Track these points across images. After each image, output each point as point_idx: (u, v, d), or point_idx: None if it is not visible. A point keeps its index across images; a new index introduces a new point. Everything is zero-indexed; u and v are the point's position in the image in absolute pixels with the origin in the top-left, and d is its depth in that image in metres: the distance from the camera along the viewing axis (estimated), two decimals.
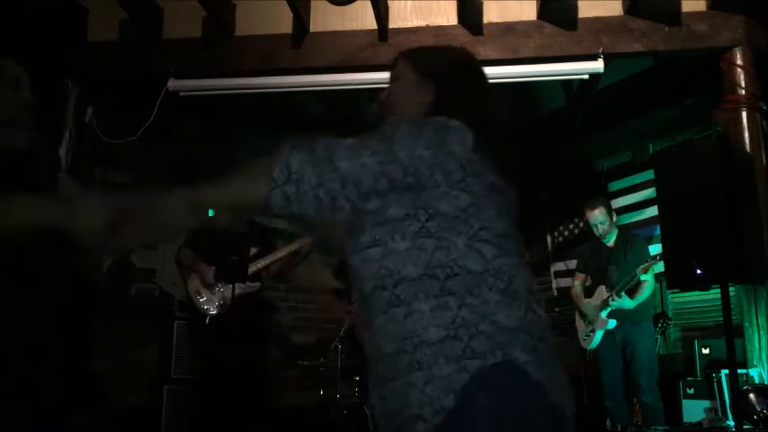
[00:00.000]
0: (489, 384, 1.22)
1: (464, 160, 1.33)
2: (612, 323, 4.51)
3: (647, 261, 4.43)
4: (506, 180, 1.43)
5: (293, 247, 4.59)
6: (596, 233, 4.74)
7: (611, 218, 4.70)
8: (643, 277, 4.36)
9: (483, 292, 1.30)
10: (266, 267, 4.59)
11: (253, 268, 4.50)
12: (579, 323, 4.86)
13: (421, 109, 1.48)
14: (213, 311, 4.40)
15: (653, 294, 4.81)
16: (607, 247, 4.73)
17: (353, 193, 1.30)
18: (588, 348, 4.71)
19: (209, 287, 4.45)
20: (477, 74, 1.62)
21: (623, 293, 4.37)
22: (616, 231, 4.77)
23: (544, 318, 1.39)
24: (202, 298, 4.44)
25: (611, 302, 4.39)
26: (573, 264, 5.24)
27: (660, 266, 4.16)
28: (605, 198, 4.92)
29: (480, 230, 1.34)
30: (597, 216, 4.67)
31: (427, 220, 1.31)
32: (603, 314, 4.55)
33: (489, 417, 1.21)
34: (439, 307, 1.27)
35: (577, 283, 4.96)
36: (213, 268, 4.43)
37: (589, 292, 4.83)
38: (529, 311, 1.35)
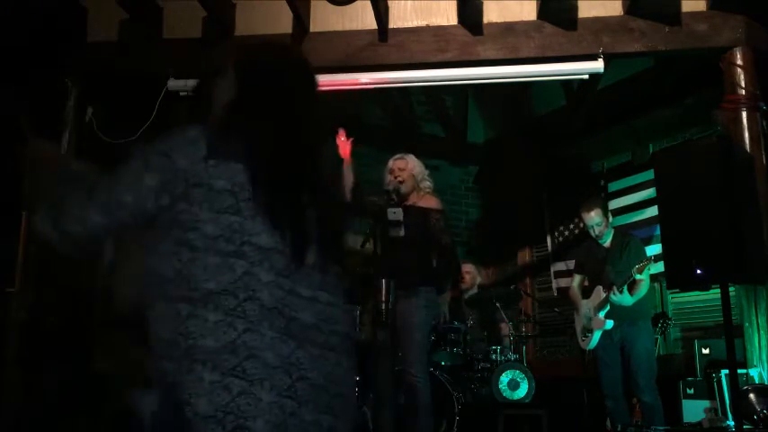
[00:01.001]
0: None
1: (190, 173, 1.34)
2: (610, 323, 4.51)
3: (642, 261, 4.43)
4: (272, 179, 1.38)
5: None
6: (592, 234, 4.74)
7: (607, 219, 4.70)
8: (638, 276, 4.36)
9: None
10: None
11: None
12: (577, 324, 4.86)
13: (222, 110, 1.48)
14: None
15: (650, 294, 4.81)
16: (603, 247, 4.73)
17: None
18: (587, 349, 4.71)
19: None
20: (287, 75, 1.54)
21: (624, 288, 4.37)
22: (612, 232, 4.78)
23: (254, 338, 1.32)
24: None
25: (612, 297, 4.39)
26: (573, 264, 5.24)
27: (660, 266, 4.16)
28: (601, 199, 4.92)
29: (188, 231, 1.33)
30: (593, 218, 4.67)
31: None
32: (601, 314, 4.55)
33: None
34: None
35: (575, 284, 4.96)
36: None
37: (586, 293, 4.83)
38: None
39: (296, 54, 1.63)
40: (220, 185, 1.34)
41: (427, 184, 4.12)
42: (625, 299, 4.38)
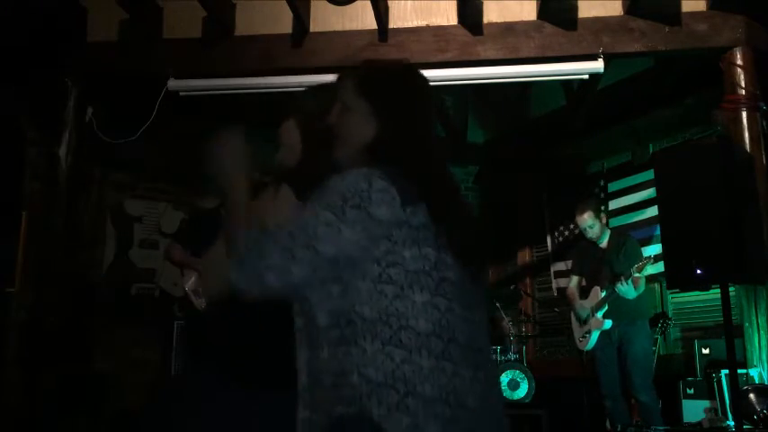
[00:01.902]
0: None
1: (393, 227, 1.31)
2: (608, 323, 4.52)
3: (640, 261, 4.44)
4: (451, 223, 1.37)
5: None
6: (588, 236, 4.74)
7: (601, 221, 4.70)
8: (636, 275, 4.37)
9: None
10: None
11: None
12: (575, 324, 4.86)
13: (359, 148, 1.45)
14: None
15: (650, 294, 4.81)
16: (600, 248, 4.73)
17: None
18: (585, 349, 4.71)
19: None
20: (426, 107, 1.53)
21: (630, 281, 4.37)
22: (608, 232, 4.78)
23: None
24: (200, 297, 4.43)
25: (618, 287, 4.38)
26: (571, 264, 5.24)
27: (660, 266, 4.16)
28: (594, 202, 4.90)
29: (388, 267, 1.31)
30: (586, 220, 4.68)
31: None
32: (599, 315, 4.55)
33: None
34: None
35: (572, 285, 4.96)
36: None
37: (584, 294, 4.83)
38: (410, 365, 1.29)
39: (423, 84, 1.57)
40: (417, 222, 1.32)
41: None
42: (630, 291, 4.39)
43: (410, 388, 1.26)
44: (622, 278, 4.36)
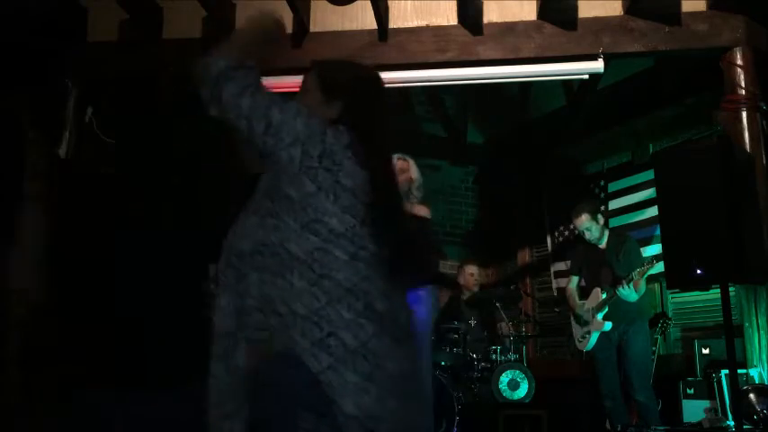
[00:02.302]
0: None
1: (327, 150, 1.48)
2: (608, 325, 4.51)
3: (643, 263, 4.43)
4: (378, 198, 1.52)
5: None
6: (587, 239, 4.74)
7: (598, 222, 4.69)
8: (636, 277, 4.36)
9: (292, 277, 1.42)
10: None
11: None
12: (574, 325, 4.86)
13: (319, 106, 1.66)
14: None
15: (650, 294, 4.81)
16: (600, 249, 4.72)
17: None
18: (584, 350, 4.71)
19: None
20: (381, 96, 1.72)
21: (631, 284, 4.37)
22: (608, 233, 4.77)
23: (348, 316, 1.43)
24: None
25: (620, 290, 4.38)
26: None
27: (660, 266, 4.16)
28: (591, 204, 4.87)
29: (313, 222, 1.45)
30: (583, 223, 4.67)
31: (273, 201, 1.48)
32: (599, 316, 4.55)
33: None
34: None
35: (572, 286, 4.96)
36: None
37: (584, 294, 4.83)
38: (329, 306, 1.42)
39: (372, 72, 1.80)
40: (348, 184, 1.47)
41: (419, 192, 4.09)
42: (631, 294, 4.39)
43: (332, 329, 1.36)
44: (624, 282, 4.36)
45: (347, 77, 1.71)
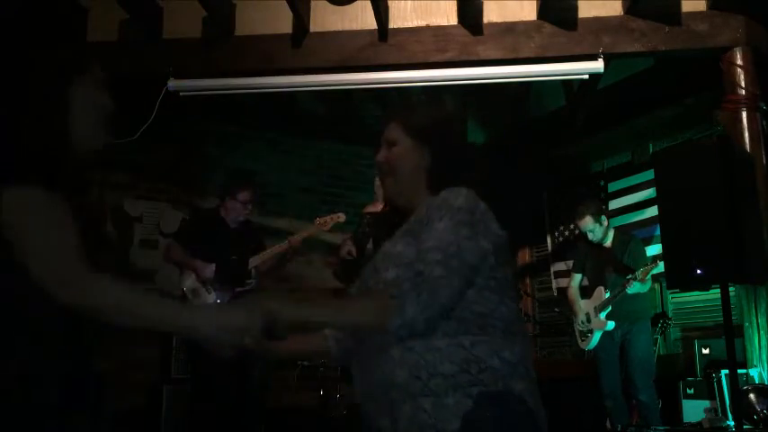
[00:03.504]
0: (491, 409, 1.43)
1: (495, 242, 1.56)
2: (611, 325, 4.51)
3: (644, 261, 4.43)
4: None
5: (283, 245, 4.60)
6: (590, 239, 4.73)
7: (601, 222, 4.68)
8: (640, 276, 4.36)
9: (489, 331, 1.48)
10: (257, 265, 4.59)
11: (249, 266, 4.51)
12: (576, 324, 4.85)
13: (421, 173, 1.65)
14: None
15: (650, 294, 4.81)
16: (604, 247, 4.72)
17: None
18: (586, 349, 4.70)
19: (206, 285, 4.43)
20: (461, 131, 1.83)
21: (637, 283, 4.36)
22: (612, 232, 4.77)
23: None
24: (198, 297, 4.43)
25: (627, 289, 4.37)
26: (572, 263, 5.23)
27: (660, 266, 4.16)
28: (594, 204, 4.87)
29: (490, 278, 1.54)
30: (587, 224, 4.67)
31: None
32: (602, 315, 4.54)
33: None
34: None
35: (574, 284, 4.95)
36: (211, 266, 4.41)
37: (587, 293, 4.82)
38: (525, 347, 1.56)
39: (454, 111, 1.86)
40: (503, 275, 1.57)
41: None
42: (644, 287, 4.39)
43: (528, 364, 1.50)
44: (630, 281, 4.35)
45: (429, 122, 1.71)
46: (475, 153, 1.80)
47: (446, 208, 1.52)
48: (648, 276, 4.37)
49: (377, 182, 4.14)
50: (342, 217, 4.70)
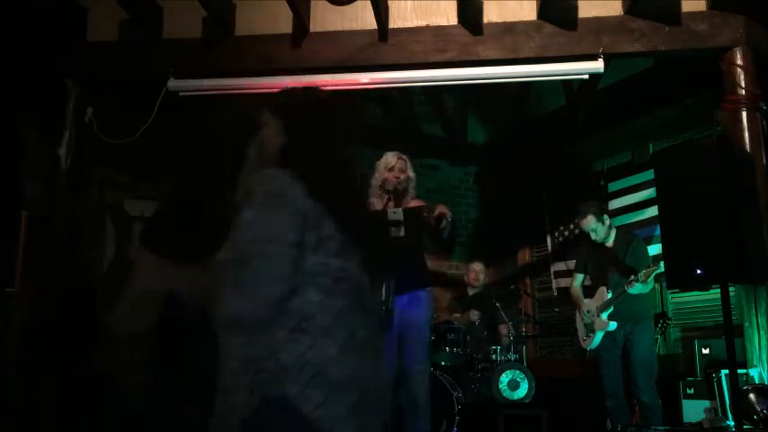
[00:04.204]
0: None
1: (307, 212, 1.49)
2: (613, 325, 4.50)
3: (649, 264, 4.42)
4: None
5: None
6: (593, 239, 4.73)
7: (604, 222, 4.68)
8: (643, 278, 4.36)
9: None
10: None
11: None
12: (579, 323, 4.84)
13: (276, 155, 1.65)
14: None
15: (651, 294, 4.81)
16: (606, 247, 4.71)
17: None
18: (588, 348, 4.70)
19: None
20: (324, 119, 1.75)
21: (639, 284, 4.36)
22: (614, 231, 4.76)
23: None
24: None
25: (629, 290, 4.37)
26: (573, 264, 5.23)
27: (660, 266, 4.16)
28: (595, 204, 4.86)
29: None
30: (589, 224, 4.66)
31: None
32: (604, 316, 4.54)
33: None
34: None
35: (576, 284, 4.95)
36: None
37: (589, 293, 4.82)
38: None
39: (327, 106, 1.81)
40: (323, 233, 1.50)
41: (414, 190, 4.14)
42: (646, 287, 4.39)
43: (317, 370, 1.43)
44: (633, 281, 4.35)
45: (288, 107, 1.76)
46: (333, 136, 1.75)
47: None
48: (651, 277, 4.37)
49: (375, 181, 4.14)
50: None
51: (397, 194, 3.95)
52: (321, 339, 1.44)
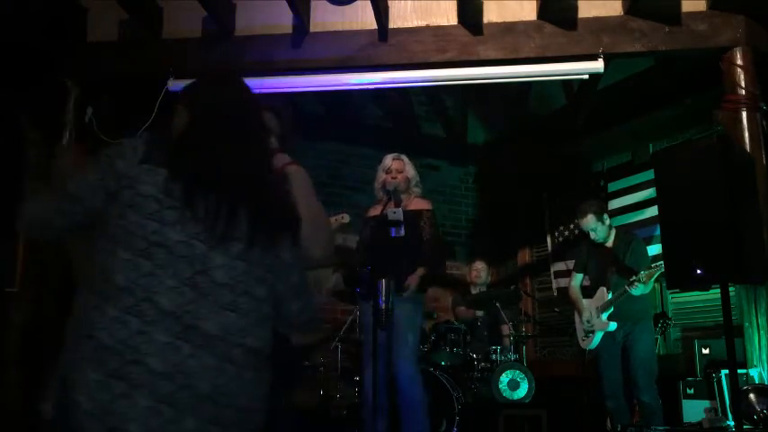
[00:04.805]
0: None
1: (124, 174, 1.47)
2: (613, 325, 4.50)
3: (647, 261, 4.42)
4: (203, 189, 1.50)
5: None
6: (593, 239, 4.72)
7: (604, 222, 4.68)
8: (644, 279, 4.35)
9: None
10: None
11: None
12: (578, 323, 4.84)
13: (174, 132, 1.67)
14: None
15: (651, 294, 4.81)
16: (606, 247, 4.71)
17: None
18: (587, 348, 4.70)
19: None
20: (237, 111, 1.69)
21: (640, 285, 4.35)
22: (614, 231, 4.76)
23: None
24: None
25: (631, 290, 4.37)
26: (573, 264, 5.23)
27: (662, 267, 4.16)
28: (595, 203, 4.85)
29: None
30: (589, 223, 4.65)
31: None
32: (604, 316, 4.53)
33: None
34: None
35: (575, 284, 4.94)
36: None
37: (588, 293, 4.81)
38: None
39: (233, 86, 1.76)
40: (146, 191, 1.45)
41: (418, 188, 4.15)
42: (646, 289, 4.39)
43: (137, 357, 1.34)
44: (635, 282, 4.34)
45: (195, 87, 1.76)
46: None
47: None
48: (651, 280, 4.37)
49: (377, 184, 4.15)
50: (346, 218, 4.68)
51: (399, 194, 3.97)
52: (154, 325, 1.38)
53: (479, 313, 5.61)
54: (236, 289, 1.47)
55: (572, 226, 6.50)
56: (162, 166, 1.47)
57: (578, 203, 4.81)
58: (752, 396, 3.47)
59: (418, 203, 4.10)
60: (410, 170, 4.14)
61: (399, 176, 4.06)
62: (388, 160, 4.14)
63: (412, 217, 3.92)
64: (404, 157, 4.17)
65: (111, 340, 1.35)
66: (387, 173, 4.09)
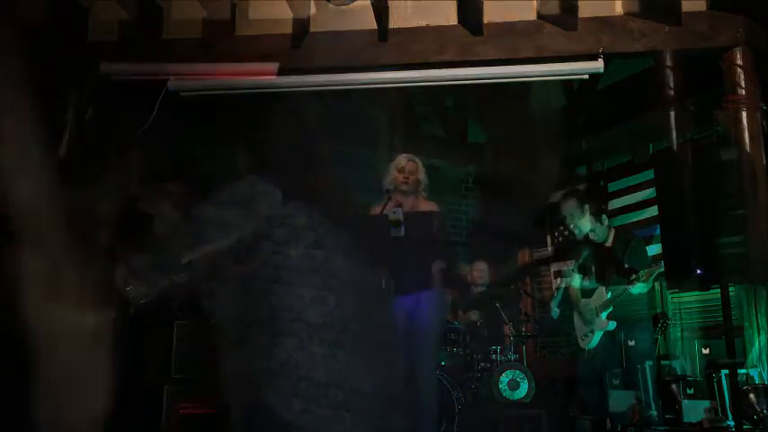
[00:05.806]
0: None
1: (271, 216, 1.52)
2: (612, 325, 4.51)
3: (649, 264, 4.42)
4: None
5: None
6: (592, 239, 4.72)
7: (602, 222, 4.68)
8: (643, 278, 4.36)
9: None
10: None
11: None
12: (578, 323, 4.85)
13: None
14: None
15: (652, 293, 4.81)
16: (605, 247, 4.71)
17: None
18: (587, 348, 4.70)
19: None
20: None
21: (640, 284, 4.36)
22: (613, 231, 4.76)
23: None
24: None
25: (630, 289, 4.37)
26: (573, 263, 5.23)
27: (661, 266, 4.16)
28: (595, 203, 4.85)
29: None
30: (587, 224, 4.66)
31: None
32: (603, 315, 4.54)
33: None
34: None
35: (575, 284, 4.94)
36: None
37: (588, 293, 4.82)
38: None
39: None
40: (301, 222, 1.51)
41: (425, 192, 4.16)
42: (645, 287, 4.39)
43: (302, 374, 1.37)
44: (635, 280, 4.34)
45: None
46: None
47: None
48: (652, 277, 4.37)
49: (385, 184, 4.15)
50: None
51: (401, 195, 3.97)
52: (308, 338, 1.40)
53: (475, 317, 5.60)
54: None
55: (572, 226, 6.49)
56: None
57: (564, 201, 4.81)
58: (752, 396, 3.47)
59: (427, 205, 4.11)
60: (421, 174, 4.15)
61: (411, 178, 4.08)
62: (403, 160, 4.14)
63: (423, 217, 3.94)
64: (418, 160, 4.18)
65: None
66: (399, 171, 4.09)
